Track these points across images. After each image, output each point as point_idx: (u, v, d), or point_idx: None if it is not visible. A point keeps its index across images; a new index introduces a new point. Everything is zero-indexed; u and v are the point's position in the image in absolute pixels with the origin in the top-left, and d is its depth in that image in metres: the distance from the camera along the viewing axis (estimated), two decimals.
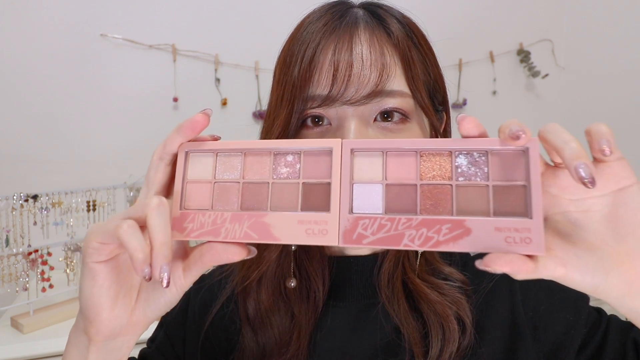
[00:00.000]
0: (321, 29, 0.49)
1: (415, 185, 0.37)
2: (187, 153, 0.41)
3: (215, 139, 0.41)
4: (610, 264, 0.33)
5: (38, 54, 1.58)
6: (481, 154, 0.36)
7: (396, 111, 0.48)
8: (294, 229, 0.37)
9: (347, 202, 0.37)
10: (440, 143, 0.37)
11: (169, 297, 0.41)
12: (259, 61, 1.77)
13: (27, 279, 1.25)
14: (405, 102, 0.48)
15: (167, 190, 0.42)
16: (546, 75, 1.99)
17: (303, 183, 0.39)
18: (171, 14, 1.71)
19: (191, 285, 0.41)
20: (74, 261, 1.33)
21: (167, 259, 0.34)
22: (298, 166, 0.39)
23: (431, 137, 0.53)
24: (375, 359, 0.53)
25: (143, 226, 0.36)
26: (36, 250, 1.26)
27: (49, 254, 1.28)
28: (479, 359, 0.51)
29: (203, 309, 0.61)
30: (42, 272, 1.27)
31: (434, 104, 0.53)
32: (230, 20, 1.76)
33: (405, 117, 0.49)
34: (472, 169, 0.36)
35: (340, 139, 0.38)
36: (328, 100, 0.47)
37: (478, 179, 0.36)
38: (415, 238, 0.35)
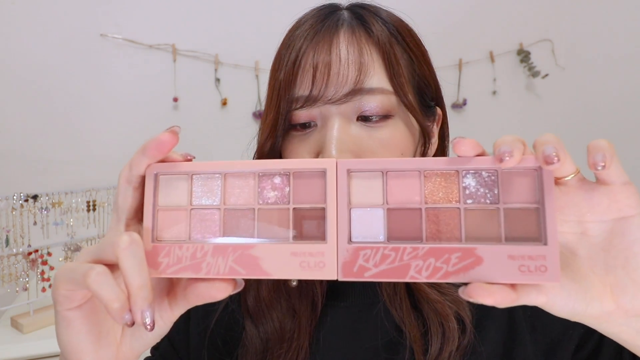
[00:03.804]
0: (304, 33, 0.50)
1: (420, 209, 0.34)
2: (156, 175, 0.36)
3: (189, 159, 0.37)
4: (592, 294, 0.33)
5: (38, 53, 1.58)
6: (490, 173, 0.33)
7: (375, 115, 0.48)
8: (286, 262, 0.33)
9: (345, 230, 0.34)
10: (446, 162, 0.33)
11: (156, 330, 0.38)
12: (259, 61, 1.77)
13: (27, 279, 1.25)
14: (386, 99, 0.48)
15: (140, 215, 0.38)
16: (546, 75, 1.99)
17: (294, 209, 0.35)
18: (171, 14, 1.71)
19: (179, 316, 0.38)
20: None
21: (147, 301, 0.32)
22: (287, 189, 0.35)
23: (419, 134, 0.53)
24: (376, 358, 0.53)
25: (114, 265, 0.33)
26: (36, 250, 1.26)
27: (49, 254, 1.28)
28: (479, 358, 0.51)
29: (206, 312, 0.61)
30: (42, 272, 1.27)
31: (422, 101, 0.53)
32: (230, 20, 1.76)
33: (385, 115, 0.49)
34: (481, 190, 0.33)
35: (334, 159, 0.35)
36: (310, 100, 0.48)
37: (487, 202, 0.33)
38: (422, 269, 0.32)
